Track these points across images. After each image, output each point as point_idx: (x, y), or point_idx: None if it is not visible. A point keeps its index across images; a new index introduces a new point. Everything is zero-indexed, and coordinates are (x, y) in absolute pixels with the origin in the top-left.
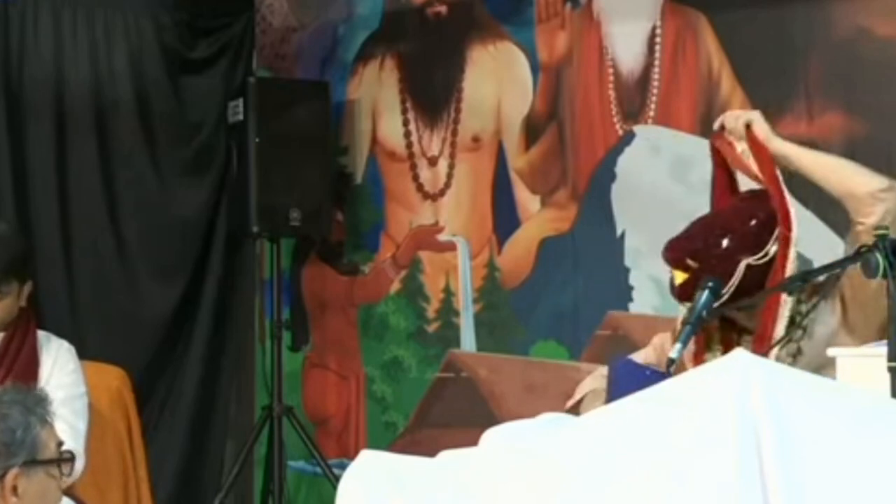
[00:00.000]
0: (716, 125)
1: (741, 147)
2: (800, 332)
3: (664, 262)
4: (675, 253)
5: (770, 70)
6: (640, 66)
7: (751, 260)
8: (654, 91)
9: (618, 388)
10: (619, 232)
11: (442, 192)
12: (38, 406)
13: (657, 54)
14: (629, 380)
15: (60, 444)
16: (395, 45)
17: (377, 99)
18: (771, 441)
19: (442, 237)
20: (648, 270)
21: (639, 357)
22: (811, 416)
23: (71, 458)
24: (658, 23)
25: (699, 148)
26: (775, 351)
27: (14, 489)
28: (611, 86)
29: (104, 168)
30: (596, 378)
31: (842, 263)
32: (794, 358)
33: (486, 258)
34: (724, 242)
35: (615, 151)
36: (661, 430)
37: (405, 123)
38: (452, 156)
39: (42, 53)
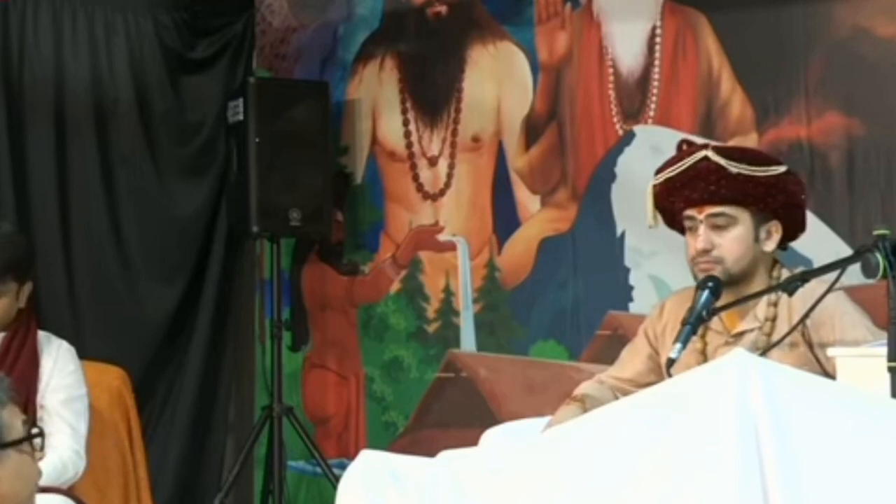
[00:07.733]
0: None
1: None
2: None
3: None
4: None
5: (770, 70)
6: (640, 66)
7: None
8: (654, 91)
9: None
10: (619, 232)
11: (442, 192)
12: None
13: (657, 54)
14: None
15: (25, 420)
16: (395, 45)
17: (377, 99)
18: (771, 441)
19: (442, 237)
20: (648, 270)
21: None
22: (811, 416)
23: (40, 433)
24: (658, 23)
25: None
26: None
27: None
28: (611, 86)
29: (104, 168)
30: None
31: (842, 263)
32: None
33: (486, 258)
34: None
35: (615, 151)
36: (661, 430)
37: (405, 123)
38: (452, 156)
39: (42, 53)
